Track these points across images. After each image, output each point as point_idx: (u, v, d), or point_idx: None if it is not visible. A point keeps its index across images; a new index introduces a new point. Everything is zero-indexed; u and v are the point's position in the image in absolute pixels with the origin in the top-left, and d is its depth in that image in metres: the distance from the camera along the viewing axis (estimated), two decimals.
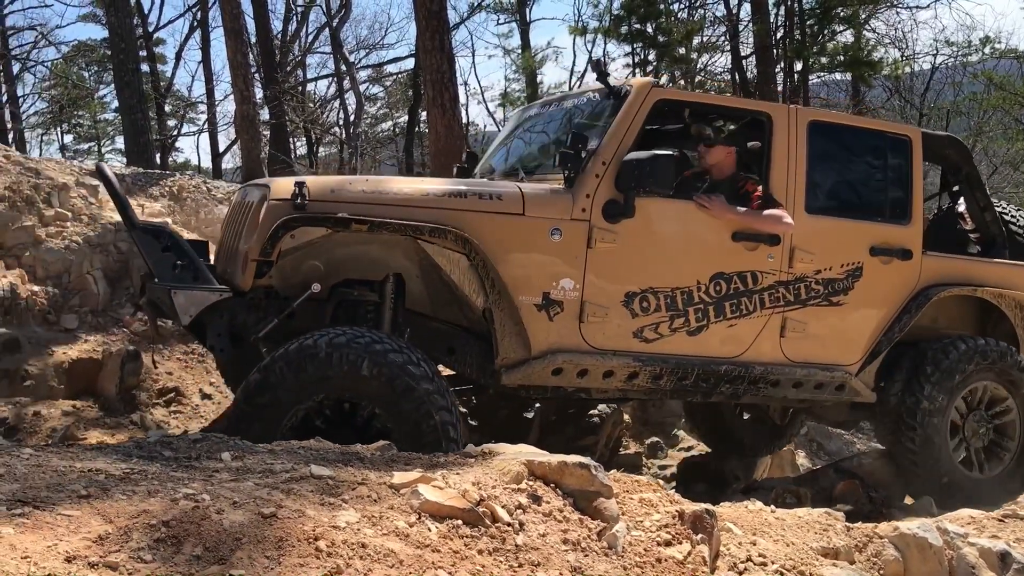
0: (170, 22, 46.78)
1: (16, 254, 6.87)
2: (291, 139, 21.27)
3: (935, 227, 5.72)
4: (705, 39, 17.69)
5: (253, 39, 18.24)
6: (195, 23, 23.97)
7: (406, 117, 24.47)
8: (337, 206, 3.98)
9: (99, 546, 1.90)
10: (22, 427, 5.80)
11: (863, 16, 16.73)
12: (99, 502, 2.09)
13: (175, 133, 26.47)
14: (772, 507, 3.71)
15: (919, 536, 3.47)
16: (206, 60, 23.60)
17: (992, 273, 5.32)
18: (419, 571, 2.15)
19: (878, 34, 18.04)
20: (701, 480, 6.31)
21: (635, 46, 16.60)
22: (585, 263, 4.31)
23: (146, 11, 23.53)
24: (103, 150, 29.54)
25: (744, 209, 4.58)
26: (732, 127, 4.75)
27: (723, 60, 18.50)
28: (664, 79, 15.98)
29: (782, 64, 16.44)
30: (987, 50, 18.07)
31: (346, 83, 22.46)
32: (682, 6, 17.70)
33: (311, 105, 23.44)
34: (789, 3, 16.29)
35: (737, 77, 16.61)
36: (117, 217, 7.50)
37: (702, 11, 17.85)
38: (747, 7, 16.86)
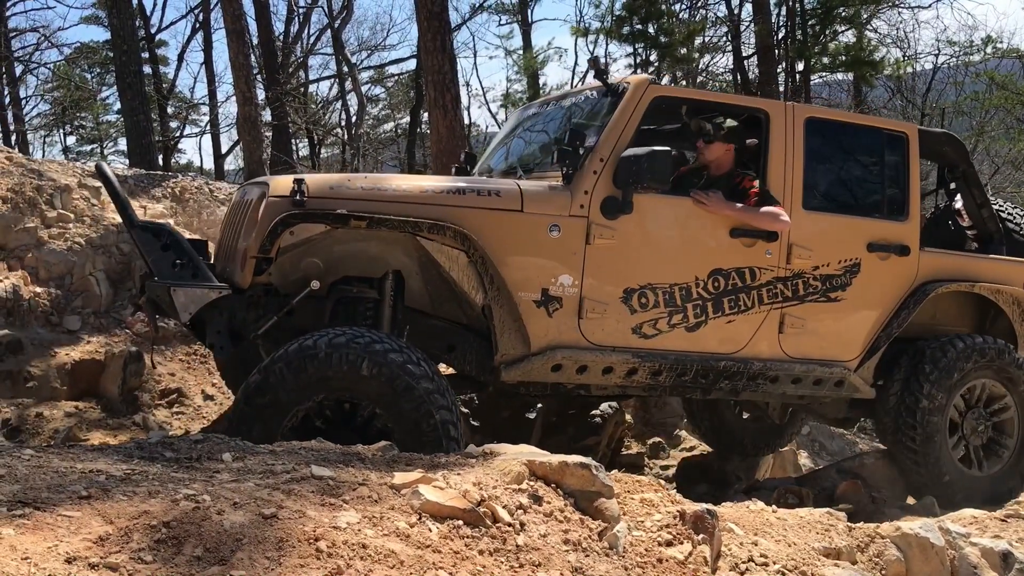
0: (172, 24, 46.80)
1: (19, 255, 6.88)
2: (293, 140, 21.29)
3: (932, 224, 5.73)
4: (707, 39, 17.71)
5: (255, 40, 18.26)
6: (197, 25, 24.01)
7: (408, 118, 24.50)
8: (336, 203, 3.98)
9: (99, 547, 1.91)
10: (24, 428, 5.81)
11: (865, 16, 16.73)
12: (100, 503, 2.09)
13: (177, 135, 26.50)
14: (774, 507, 3.70)
15: (921, 536, 3.47)
16: (208, 62, 23.69)
17: (989, 269, 5.33)
18: (420, 572, 2.15)
19: (880, 34, 18.04)
20: (703, 480, 6.30)
21: (637, 47, 16.62)
22: (584, 259, 4.32)
23: (148, 13, 23.61)
24: (106, 152, 29.59)
25: (741, 205, 4.58)
26: (731, 124, 4.75)
27: (725, 60, 18.52)
28: (666, 79, 15.99)
29: (784, 64, 16.44)
30: (989, 50, 18.06)
31: (348, 84, 22.49)
32: (684, 7, 17.71)
33: (313, 106, 23.47)
34: (791, 3, 16.28)
35: (739, 77, 16.61)
36: (119, 218, 7.51)
37: (704, 11, 17.86)
38: (749, 7, 16.88)
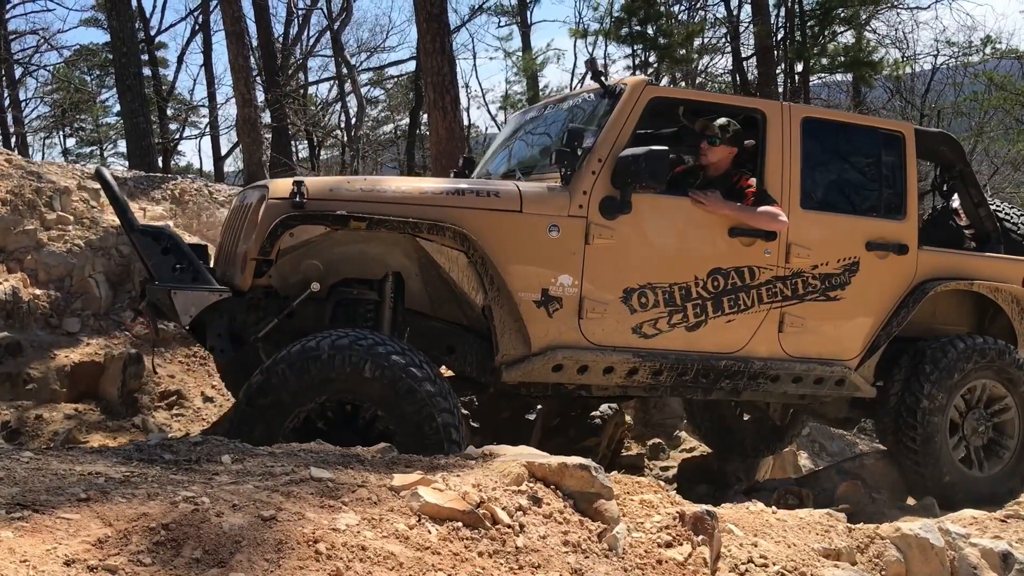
0: (172, 26, 46.59)
1: (18, 258, 6.88)
2: (293, 142, 21.28)
3: (930, 223, 5.73)
4: (706, 41, 17.71)
5: (254, 42, 18.27)
6: (196, 27, 24.00)
7: (407, 120, 24.50)
8: (335, 204, 3.98)
9: (98, 549, 1.90)
10: (24, 430, 5.81)
11: (864, 17, 16.73)
12: (98, 505, 2.09)
13: (177, 137, 26.49)
14: (773, 508, 3.71)
15: (921, 537, 3.47)
16: (208, 64, 23.68)
17: (988, 268, 5.34)
18: (419, 573, 2.15)
19: (879, 35, 18.05)
20: (703, 481, 6.31)
21: (636, 48, 16.63)
22: (583, 259, 4.33)
23: (148, 15, 23.60)
24: (105, 154, 29.61)
25: (739, 205, 4.59)
26: (735, 127, 4.75)
27: (724, 62, 18.52)
28: (665, 80, 16.00)
29: (783, 65, 16.45)
30: (988, 50, 18.07)
31: (347, 86, 22.50)
32: (683, 8, 17.72)
33: (312, 108, 23.47)
34: (790, 4, 16.29)
35: (738, 78, 16.62)
36: (119, 221, 7.51)
37: (703, 13, 17.86)
38: (747, 8, 16.87)
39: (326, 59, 25.88)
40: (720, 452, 6.58)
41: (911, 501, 5.25)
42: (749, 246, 4.65)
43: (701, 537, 2.83)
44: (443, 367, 4.47)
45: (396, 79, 27.33)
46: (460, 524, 2.40)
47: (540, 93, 22.78)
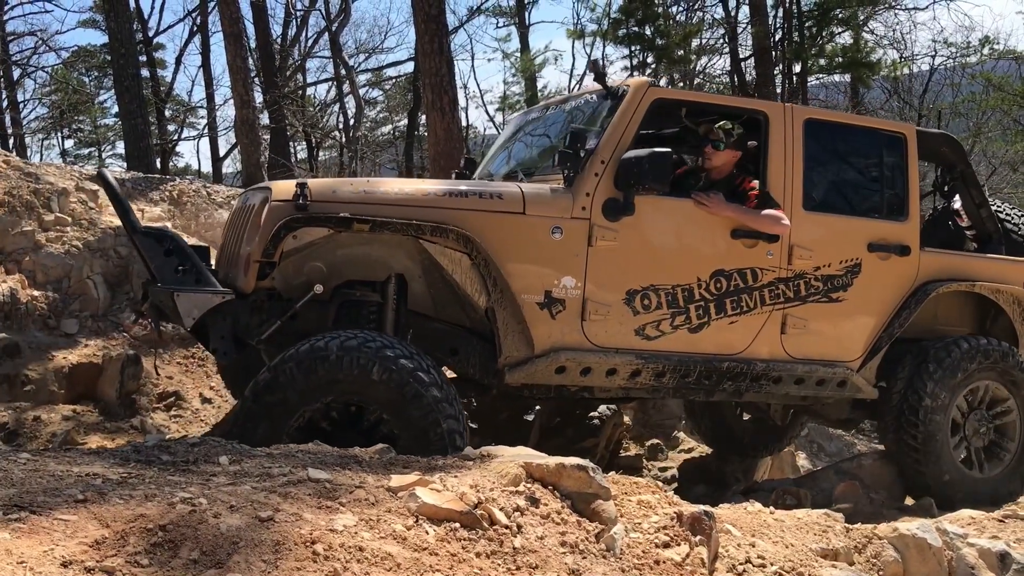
0: (170, 27, 46.70)
1: (16, 259, 6.88)
2: (291, 143, 21.28)
3: (931, 224, 5.74)
4: (704, 41, 17.72)
5: (253, 43, 18.25)
6: (195, 28, 23.95)
7: (406, 120, 24.49)
8: (339, 206, 3.98)
9: (95, 551, 1.90)
10: (22, 432, 5.80)
11: (861, 17, 16.76)
12: (96, 506, 2.09)
13: (175, 138, 26.47)
14: (771, 508, 3.71)
15: (918, 537, 3.47)
16: (206, 65, 23.57)
17: (989, 269, 5.34)
18: (417, 574, 2.15)
19: (876, 35, 18.09)
20: (701, 481, 6.31)
21: (633, 49, 16.63)
22: (586, 261, 4.33)
23: (146, 16, 23.54)
24: (103, 155, 29.58)
25: (742, 207, 4.60)
26: (739, 130, 4.75)
27: (722, 62, 18.53)
28: (663, 81, 16.00)
29: (781, 66, 16.46)
30: (986, 51, 18.09)
31: (346, 87, 22.47)
32: (680, 9, 17.74)
33: (311, 109, 23.47)
34: (787, 5, 16.31)
35: (736, 79, 16.63)
36: (117, 222, 7.50)
37: (700, 13, 17.88)
38: (745, 9, 16.90)
39: (324, 60, 25.89)
40: (719, 452, 6.59)
41: (909, 501, 5.26)
42: (752, 248, 4.65)
43: (699, 537, 2.83)
44: (446, 368, 4.47)
45: (394, 80, 27.34)
46: (458, 525, 2.40)
47: (538, 94, 22.78)
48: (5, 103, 22.80)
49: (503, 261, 4.17)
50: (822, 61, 16.30)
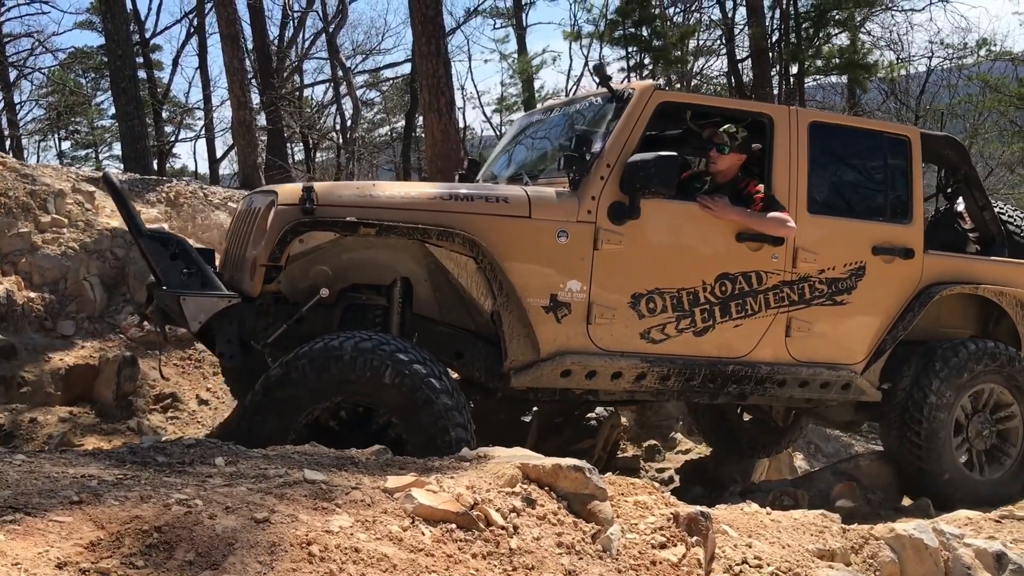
0: (167, 28, 46.81)
1: (12, 260, 6.87)
2: (288, 144, 21.26)
3: (934, 227, 5.74)
4: (700, 43, 17.73)
5: (250, 45, 18.24)
6: (192, 29, 23.94)
7: (403, 122, 24.49)
8: (345, 210, 3.98)
9: (91, 552, 1.90)
10: (18, 434, 5.79)
11: (858, 19, 16.80)
12: (91, 508, 2.08)
13: (172, 139, 26.43)
14: (768, 509, 3.71)
15: (915, 537, 3.47)
16: (203, 66, 23.56)
17: (993, 272, 5.35)
18: (413, 575, 2.15)
19: (873, 37, 18.13)
20: (699, 482, 6.31)
21: (630, 50, 16.64)
22: (592, 265, 4.33)
23: (143, 18, 23.52)
24: (100, 157, 29.53)
25: (748, 210, 4.61)
26: (744, 134, 4.75)
27: (719, 64, 18.55)
28: (660, 82, 15.99)
29: (778, 67, 16.48)
30: (982, 52, 18.13)
31: (343, 88, 22.46)
32: (677, 10, 17.75)
33: (308, 110, 23.46)
34: (784, 6, 16.32)
35: (733, 80, 16.65)
36: (113, 223, 7.50)
37: (697, 15, 17.90)
38: (742, 11, 16.91)
39: (321, 61, 25.93)
40: (718, 452, 6.59)
41: (906, 502, 5.26)
42: (756, 251, 4.65)
43: (695, 538, 2.83)
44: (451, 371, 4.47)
45: (392, 81, 27.37)
46: (454, 526, 2.40)
47: (536, 96, 22.77)
48: (2, 104, 22.77)
49: (508, 264, 4.17)
50: (819, 62, 16.33)
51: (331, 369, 3.68)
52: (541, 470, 2.77)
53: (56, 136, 29.38)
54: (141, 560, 1.91)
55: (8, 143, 22.16)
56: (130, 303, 7.06)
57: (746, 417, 6.48)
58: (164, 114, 24.76)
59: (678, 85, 16.65)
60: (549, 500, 2.69)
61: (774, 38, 16.44)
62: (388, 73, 27.59)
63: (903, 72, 18.83)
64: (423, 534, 2.32)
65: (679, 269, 4.53)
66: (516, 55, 24.01)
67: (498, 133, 26.02)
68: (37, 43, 23.52)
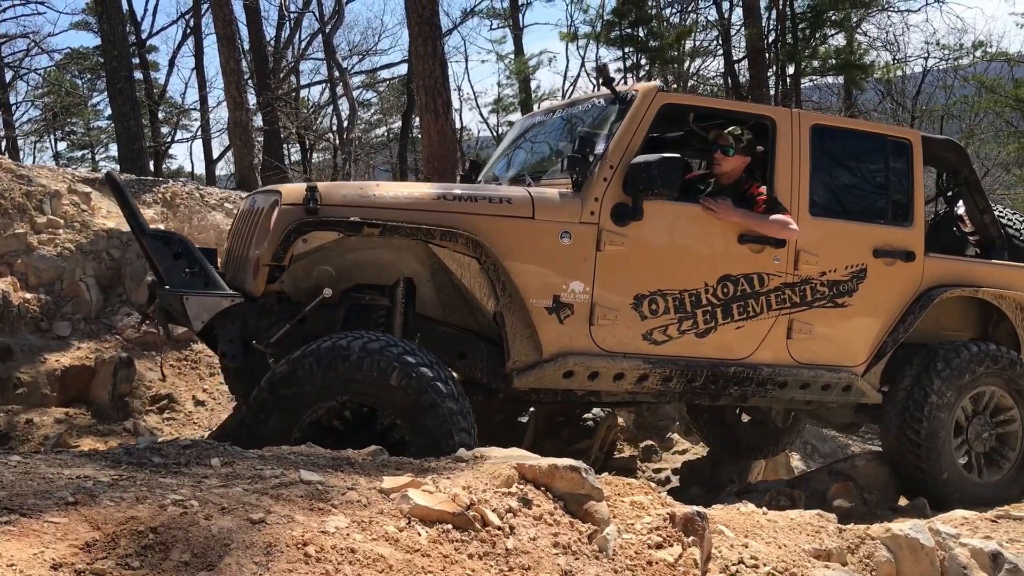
0: (163, 29, 46.76)
1: (8, 261, 6.86)
2: (285, 145, 21.25)
3: (934, 230, 5.75)
4: (697, 43, 17.74)
5: (246, 46, 18.24)
6: (188, 30, 23.95)
7: (399, 123, 24.49)
8: (349, 210, 3.98)
9: (86, 553, 1.89)
10: (14, 435, 5.79)
11: (854, 19, 16.81)
12: (86, 509, 2.08)
13: (168, 140, 26.41)
14: (764, 509, 3.71)
15: (911, 537, 3.48)
16: (199, 67, 23.53)
17: (992, 274, 5.37)
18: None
19: (870, 37, 18.11)
20: (696, 483, 6.31)
21: (626, 50, 16.65)
22: (594, 266, 4.33)
23: (139, 18, 23.54)
24: (97, 157, 29.47)
25: (750, 212, 4.61)
26: (748, 136, 4.76)
27: (715, 64, 18.56)
28: (657, 83, 15.99)
29: (774, 68, 16.49)
30: (978, 54, 18.16)
31: (339, 89, 22.46)
32: (673, 11, 17.76)
33: (304, 111, 23.45)
34: (781, 7, 16.34)
35: (729, 81, 16.66)
36: (109, 224, 7.50)
37: (693, 15, 17.90)
38: (739, 11, 16.93)
39: (318, 62, 25.91)
40: (716, 452, 6.59)
41: (903, 502, 5.27)
42: (759, 253, 4.66)
43: (691, 538, 2.83)
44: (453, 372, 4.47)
45: (388, 82, 27.36)
46: (450, 526, 2.39)
47: (532, 96, 22.78)
48: None
49: (511, 265, 4.18)
50: (815, 63, 16.34)
51: (337, 368, 3.68)
52: (537, 470, 2.76)
53: (52, 137, 29.34)
54: (137, 561, 1.91)
55: (4, 144, 22.15)
56: (126, 304, 7.05)
57: (745, 418, 6.49)
58: (160, 115, 24.74)
59: (675, 86, 16.67)
60: (545, 500, 2.69)
61: (771, 39, 16.45)
62: (384, 74, 27.63)
63: (899, 73, 18.86)
64: (419, 534, 2.32)
65: (681, 270, 4.54)
66: (513, 56, 24.03)
67: (495, 134, 26.07)
68: (33, 44, 23.51)
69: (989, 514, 4.40)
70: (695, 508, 2.96)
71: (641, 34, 16.07)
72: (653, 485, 3.29)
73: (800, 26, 16.15)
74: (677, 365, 4.53)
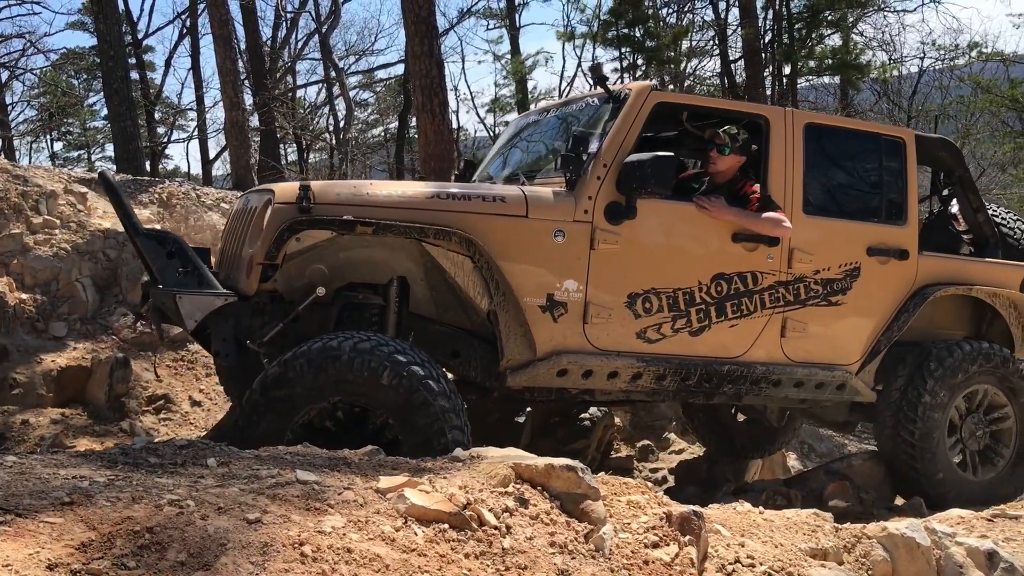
0: (159, 29, 46.40)
1: (4, 262, 6.85)
2: (281, 145, 21.25)
3: (928, 228, 5.77)
4: (693, 43, 17.76)
5: (242, 46, 18.22)
6: (184, 30, 23.92)
7: (396, 123, 24.47)
8: (342, 209, 3.98)
9: (82, 553, 1.89)
10: (10, 435, 5.78)
11: (851, 19, 16.84)
12: (82, 509, 2.08)
13: (165, 140, 26.37)
14: (761, 508, 3.71)
15: (907, 536, 3.48)
16: (195, 67, 23.50)
17: (986, 273, 5.38)
18: (405, 575, 2.14)
19: (866, 37, 18.16)
20: (692, 482, 6.32)
21: (623, 50, 16.66)
22: (588, 264, 4.34)
23: (135, 18, 23.50)
24: (93, 158, 29.42)
25: (744, 210, 4.62)
26: (744, 135, 4.76)
27: (712, 64, 18.58)
28: (656, 83, 16.01)
29: (771, 68, 16.52)
30: (974, 54, 18.20)
31: (336, 89, 22.45)
32: (670, 11, 17.77)
33: (301, 111, 23.42)
34: (777, 7, 16.37)
35: (726, 81, 16.68)
36: (106, 224, 7.49)
37: (690, 15, 17.92)
38: (735, 11, 16.94)
39: (314, 62, 25.84)
40: (712, 452, 6.60)
41: (899, 502, 5.28)
42: (752, 251, 4.67)
43: (688, 537, 2.83)
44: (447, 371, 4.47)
45: (385, 82, 27.32)
46: (446, 526, 2.39)
47: (529, 96, 22.79)
48: None
49: (505, 264, 4.18)
50: (812, 63, 16.37)
51: (328, 369, 3.68)
52: (534, 470, 2.76)
53: (48, 137, 29.29)
54: (133, 561, 1.90)
55: (0, 144, 22.08)
56: (122, 304, 7.04)
57: (740, 417, 6.50)
58: (157, 115, 24.70)
59: (671, 86, 16.68)
60: (542, 500, 2.69)
61: (767, 39, 16.49)
62: (381, 74, 27.59)
63: (895, 73, 18.90)
64: (416, 534, 2.32)
65: (675, 269, 4.54)
66: (509, 56, 24.02)
67: (491, 134, 26.05)
68: (29, 44, 23.42)
69: (985, 513, 4.42)
70: (692, 507, 2.96)
71: (638, 34, 16.10)
72: (649, 484, 3.29)
73: (796, 26, 16.19)
74: (671, 363, 4.53)
